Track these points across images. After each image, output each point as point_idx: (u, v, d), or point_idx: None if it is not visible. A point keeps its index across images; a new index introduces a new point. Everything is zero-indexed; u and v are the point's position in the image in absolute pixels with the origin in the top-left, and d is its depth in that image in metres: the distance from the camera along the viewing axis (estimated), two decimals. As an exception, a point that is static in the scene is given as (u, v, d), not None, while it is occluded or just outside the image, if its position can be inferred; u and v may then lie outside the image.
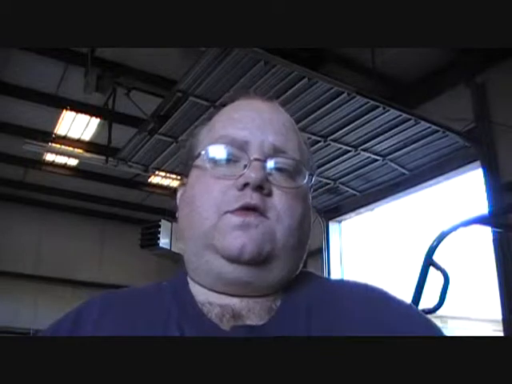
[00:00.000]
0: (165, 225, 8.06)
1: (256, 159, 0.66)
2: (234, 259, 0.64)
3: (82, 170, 8.92)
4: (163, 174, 6.32)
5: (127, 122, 6.80)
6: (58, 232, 10.81)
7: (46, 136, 7.14)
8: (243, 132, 0.68)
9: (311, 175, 0.72)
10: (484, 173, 4.85)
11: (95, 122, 7.25)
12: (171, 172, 6.00)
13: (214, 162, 0.68)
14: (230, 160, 0.68)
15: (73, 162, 8.54)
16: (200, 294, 0.68)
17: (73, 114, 7.04)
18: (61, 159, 8.43)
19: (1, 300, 9.79)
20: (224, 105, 0.79)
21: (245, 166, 0.66)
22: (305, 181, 0.70)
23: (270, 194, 0.66)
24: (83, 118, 7.19)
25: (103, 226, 11.44)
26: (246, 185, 0.64)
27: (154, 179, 9.41)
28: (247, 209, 0.64)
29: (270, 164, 0.67)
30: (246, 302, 0.66)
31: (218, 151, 0.68)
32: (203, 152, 0.69)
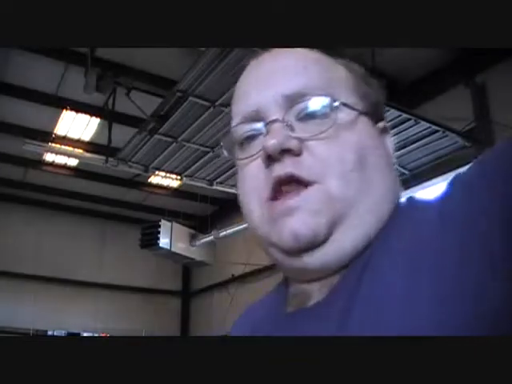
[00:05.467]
0: (165, 225, 8.07)
1: (271, 121, 0.57)
2: (290, 251, 0.56)
3: (82, 170, 8.93)
4: (163, 173, 6.32)
5: (127, 121, 6.81)
6: (57, 232, 10.83)
7: (46, 136, 7.15)
8: (252, 101, 0.59)
9: (345, 104, 0.57)
10: (484, 173, 4.85)
11: (95, 121, 7.26)
12: (171, 172, 6.01)
13: (241, 144, 0.61)
14: (251, 136, 0.59)
15: (73, 162, 8.56)
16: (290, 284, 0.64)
17: (73, 113, 7.05)
18: (61, 159, 8.44)
19: (1, 300, 9.79)
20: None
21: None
22: (340, 114, 0.57)
23: (300, 152, 0.55)
24: (83, 118, 7.20)
25: (103, 226, 11.46)
26: (269, 157, 0.56)
27: (153, 179, 9.42)
28: (282, 184, 0.55)
29: (289, 118, 0.56)
30: (317, 284, 0.58)
31: (238, 135, 0.61)
32: (224, 143, 0.63)
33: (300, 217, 0.54)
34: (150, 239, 8.00)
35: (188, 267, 11.34)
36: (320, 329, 0.53)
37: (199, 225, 10.16)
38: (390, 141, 0.64)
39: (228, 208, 10.50)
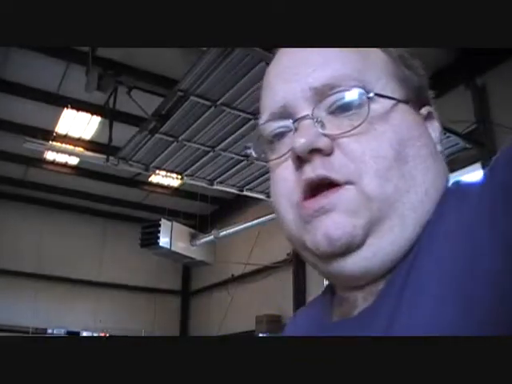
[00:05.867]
0: (165, 224, 8.07)
1: (300, 118, 0.52)
2: (324, 256, 0.52)
3: (82, 168, 8.95)
4: (164, 173, 6.33)
5: (128, 120, 6.82)
6: (58, 230, 10.84)
7: (47, 134, 7.16)
8: (279, 96, 0.55)
9: (380, 95, 0.52)
10: (485, 174, 4.86)
11: (96, 120, 7.27)
12: (172, 171, 6.01)
13: (270, 143, 0.56)
14: (280, 134, 0.55)
15: (74, 160, 8.57)
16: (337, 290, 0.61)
17: (74, 112, 7.06)
18: (62, 158, 8.45)
19: (0, 298, 9.81)
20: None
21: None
22: (375, 105, 0.51)
23: (331, 151, 0.51)
24: (84, 117, 7.21)
25: (103, 224, 11.47)
26: (299, 158, 0.51)
27: (154, 178, 9.43)
28: (314, 186, 0.51)
29: (319, 112, 0.52)
30: (361, 292, 0.54)
31: (266, 133, 0.57)
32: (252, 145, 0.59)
33: (334, 217, 0.50)
34: (150, 238, 8.01)
35: (188, 267, 11.35)
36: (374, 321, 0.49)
37: (199, 224, 10.17)
38: (435, 127, 0.59)
39: (228, 208, 10.51)
